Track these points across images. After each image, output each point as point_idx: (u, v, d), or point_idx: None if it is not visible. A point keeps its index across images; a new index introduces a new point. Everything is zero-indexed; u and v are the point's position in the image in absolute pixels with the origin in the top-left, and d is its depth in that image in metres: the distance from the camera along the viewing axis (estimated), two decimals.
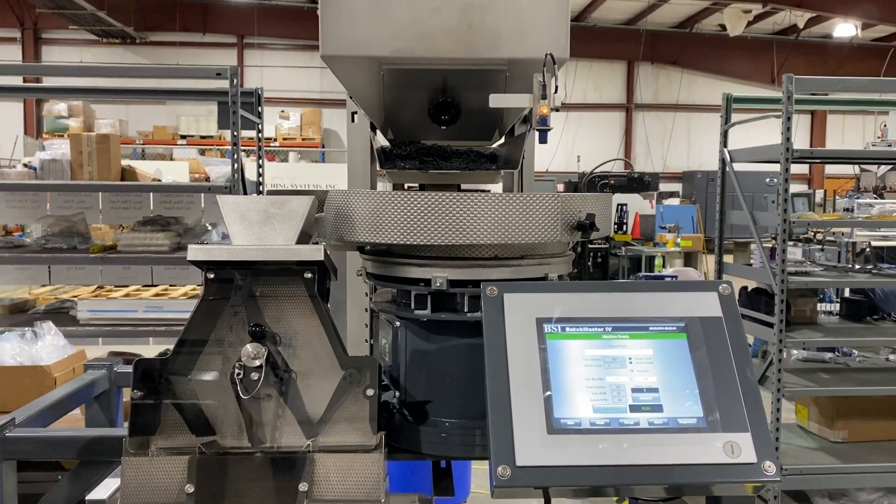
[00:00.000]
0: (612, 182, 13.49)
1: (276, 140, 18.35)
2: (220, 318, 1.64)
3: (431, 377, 1.76)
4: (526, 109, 2.24)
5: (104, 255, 5.16)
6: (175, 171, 10.96)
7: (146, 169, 6.19)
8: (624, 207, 12.29)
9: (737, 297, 1.59)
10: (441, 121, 2.26)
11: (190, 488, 1.54)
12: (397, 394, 1.82)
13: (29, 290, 7.12)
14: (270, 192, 1.77)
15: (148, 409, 1.60)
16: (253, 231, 1.67)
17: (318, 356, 1.64)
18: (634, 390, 1.45)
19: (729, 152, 5.65)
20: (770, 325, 4.92)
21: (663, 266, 13.14)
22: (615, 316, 1.52)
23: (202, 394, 1.61)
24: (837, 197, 11.50)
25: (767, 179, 17.61)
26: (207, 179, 6.27)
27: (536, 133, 1.99)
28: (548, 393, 1.43)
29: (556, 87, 1.89)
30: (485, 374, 1.48)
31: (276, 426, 1.61)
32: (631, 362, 1.48)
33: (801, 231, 7.82)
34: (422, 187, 2.46)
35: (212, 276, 1.64)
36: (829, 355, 5.80)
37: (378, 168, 2.19)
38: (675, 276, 11.62)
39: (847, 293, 6.74)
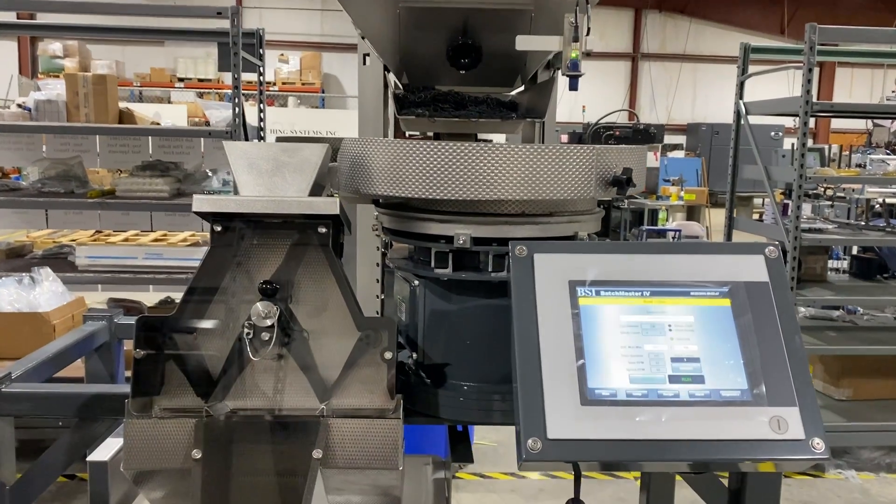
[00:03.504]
0: (617, 133, 13.28)
1: (275, 84, 18.00)
2: (228, 274, 1.53)
3: (451, 339, 1.67)
4: (551, 54, 2.10)
5: (102, 200, 5.04)
6: (173, 115, 10.73)
7: (145, 112, 6.02)
8: None
9: None
10: (460, 65, 2.13)
11: (197, 454, 1.46)
12: (414, 355, 1.73)
13: (27, 233, 7.01)
14: (280, 139, 1.63)
15: (151, 369, 1.51)
16: (262, 181, 1.55)
17: (332, 316, 1.54)
18: (674, 360, 1.35)
19: (745, 104, 5.49)
20: None
21: (667, 220, 13.04)
22: (654, 279, 1.41)
23: (209, 354, 1.52)
24: (852, 152, 11.29)
25: (772, 133, 17.37)
26: (207, 124, 6.10)
27: (563, 79, 1.86)
28: (581, 361, 1.34)
29: (588, 28, 1.75)
30: (509, 338, 1.38)
31: (287, 389, 1.52)
32: (671, 329, 1.38)
33: (810, 187, 7.70)
34: (436, 136, 2.34)
35: (219, 228, 1.53)
36: (836, 313, 5.73)
37: (393, 114, 2.06)
38: (679, 230, 11.54)
39: (855, 251, 6.64)
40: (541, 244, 1.45)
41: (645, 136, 14.00)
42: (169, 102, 16.62)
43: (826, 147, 11.38)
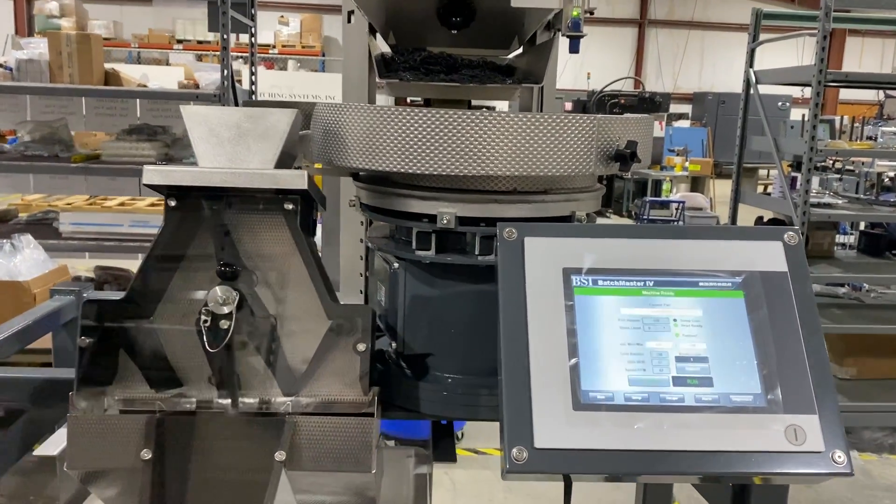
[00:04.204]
0: (623, 101, 12.96)
1: (274, 47, 17.66)
2: (185, 255, 1.37)
3: (434, 327, 1.52)
4: (551, 13, 1.92)
5: (87, 164, 4.86)
6: (167, 77, 10.47)
7: (132, 73, 5.81)
8: None
9: None
10: (451, 23, 1.94)
11: (147, 454, 1.32)
12: (394, 344, 1.58)
13: (21, 197, 6.84)
14: (247, 104, 1.47)
15: (99, 359, 1.36)
16: (223, 150, 1.39)
17: (300, 301, 1.39)
18: (679, 359, 1.20)
19: (755, 73, 5.28)
20: None
21: (671, 191, 12.84)
22: (658, 268, 1.26)
23: (164, 342, 1.37)
24: (862, 124, 11.00)
25: (780, 103, 17.03)
26: (198, 86, 5.90)
27: (564, 42, 1.68)
28: (574, 360, 1.19)
29: None
30: (497, 331, 1.23)
31: (250, 382, 1.38)
32: (676, 325, 1.22)
33: (819, 159, 7.50)
34: (427, 102, 2.16)
35: (173, 203, 1.37)
36: (842, 290, 5.58)
37: (377, 78, 1.89)
38: (683, 202, 11.35)
39: (862, 226, 6.47)
40: (532, 227, 1.28)
41: (651, 104, 13.69)
42: (167, 64, 16.29)
43: (836, 119, 11.10)
